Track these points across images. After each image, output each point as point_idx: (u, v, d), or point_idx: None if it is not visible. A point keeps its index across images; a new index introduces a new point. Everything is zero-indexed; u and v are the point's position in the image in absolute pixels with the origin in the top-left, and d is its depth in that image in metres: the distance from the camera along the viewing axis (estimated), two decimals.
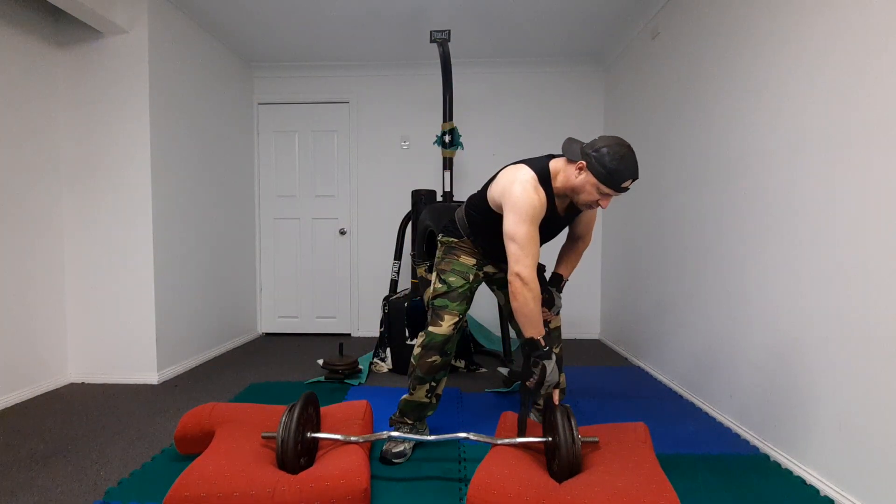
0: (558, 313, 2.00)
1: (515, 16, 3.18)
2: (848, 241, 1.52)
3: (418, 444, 1.92)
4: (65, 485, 1.64)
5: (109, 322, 2.80)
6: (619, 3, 3.01)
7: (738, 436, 2.05)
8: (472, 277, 1.90)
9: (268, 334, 4.22)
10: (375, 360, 3.09)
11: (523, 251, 1.58)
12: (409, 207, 3.49)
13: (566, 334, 4.07)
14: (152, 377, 2.79)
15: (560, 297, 1.99)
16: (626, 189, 1.58)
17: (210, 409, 1.80)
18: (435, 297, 1.89)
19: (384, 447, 1.83)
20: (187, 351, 3.13)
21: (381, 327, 3.15)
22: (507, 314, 2.10)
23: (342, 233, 4.13)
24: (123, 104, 2.75)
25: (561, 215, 1.77)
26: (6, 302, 2.45)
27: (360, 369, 2.95)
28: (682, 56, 2.62)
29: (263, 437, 1.63)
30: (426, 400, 1.91)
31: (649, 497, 1.30)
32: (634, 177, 1.56)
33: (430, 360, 1.84)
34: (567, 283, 2.04)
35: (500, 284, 2.04)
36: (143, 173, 2.76)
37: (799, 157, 1.74)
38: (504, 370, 2.98)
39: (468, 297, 1.90)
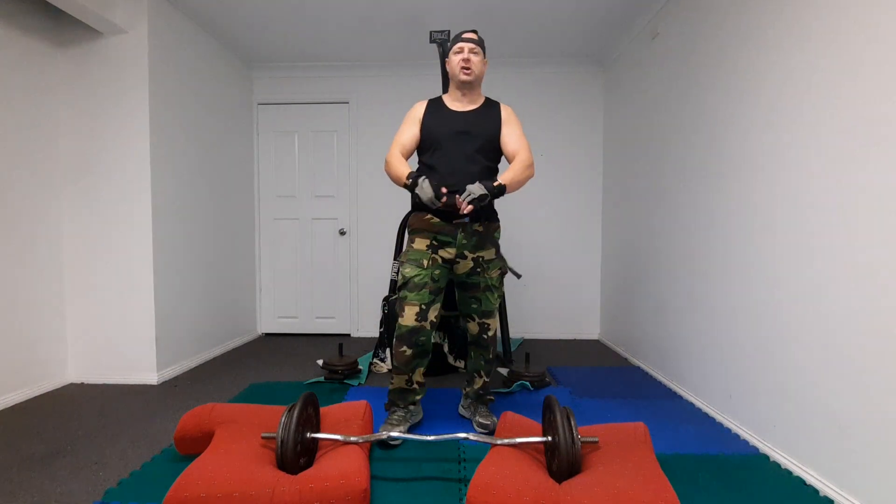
0: (471, 202, 1.80)
1: (515, 16, 3.18)
2: (850, 240, 1.52)
3: (418, 444, 1.92)
4: (64, 485, 1.64)
5: (109, 322, 2.80)
6: (618, 4, 3.01)
7: (737, 436, 2.05)
8: (426, 263, 1.95)
9: (267, 334, 4.22)
10: (375, 360, 3.09)
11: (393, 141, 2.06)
12: (409, 207, 3.49)
13: (566, 334, 4.07)
14: (152, 377, 2.79)
15: (478, 185, 1.81)
16: (469, 39, 1.99)
17: (210, 409, 1.80)
18: (399, 290, 1.99)
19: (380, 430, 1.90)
20: (187, 351, 3.13)
21: (380, 327, 3.15)
22: (461, 313, 2.17)
23: (342, 233, 4.13)
24: (123, 104, 2.75)
25: (459, 111, 2.05)
26: (6, 302, 2.44)
27: (360, 369, 2.95)
28: (682, 56, 2.62)
29: (263, 438, 1.63)
30: (406, 387, 2.03)
31: (649, 497, 1.30)
32: (467, 31, 2.01)
33: (400, 350, 1.97)
34: (506, 187, 1.87)
35: (461, 283, 2.07)
36: (142, 173, 2.76)
37: (799, 155, 1.74)
38: (504, 370, 2.98)
39: (430, 286, 1.94)
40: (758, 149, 1.97)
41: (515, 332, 4.03)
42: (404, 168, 1.94)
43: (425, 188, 1.81)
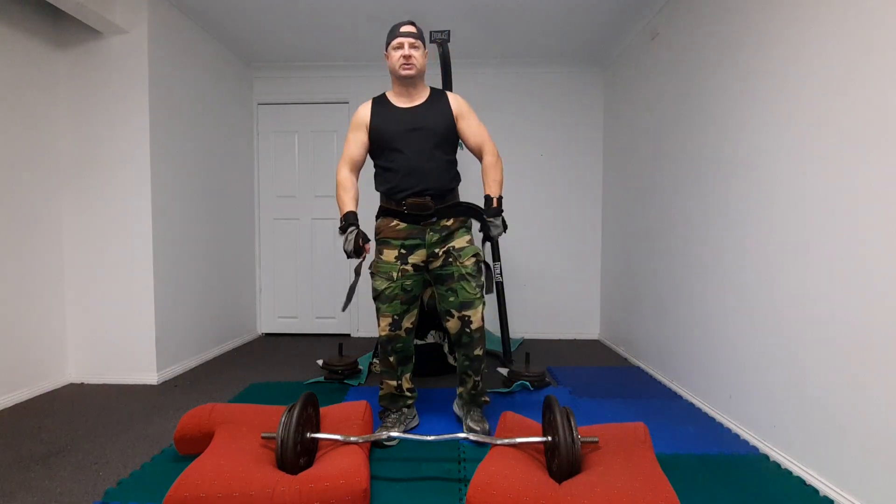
0: (497, 234, 1.94)
1: (515, 16, 3.18)
2: (850, 240, 1.52)
3: (418, 444, 1.92)
4: (64, 485, 1.64)
5: (109, 322, 2.80)
6: (618, 4, 3.01)
7: (737, 436, 2.05)
8: (396, 275, 1.95)
9: (267, 334, 4.22)
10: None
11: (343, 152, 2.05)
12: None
13: (566, 334, 4.07)
14: (152, 377, 2.79)
15: (496, 224, 1.92)
16: (408, 33, 1.92)
17: (209, 409, 1.80)
18: (374, 300, 2.03)
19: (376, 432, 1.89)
20: (187, 351, 3.13)
21: None
22: (440, 312, 2.09)
23: None
24: (123, 104, 2.75)
25: (406, 108, 2.00)
26: (6, 302, 2.44)
27: (360, 370, 2.95)
28: (682, 56, 2.62)
29: (263, 438, 1.63)
30: (397, 392, 2.05)
31: (649, 497, 1.30)
32: (404, 23, 1.95)
33: (383, 356, 2.04)
34: (502, 199, 1.98)
35: (435, 277, 2.02)
36: (142, 174, 2.76)
37: (799, 156, 1.74)
38: (504, 370, 2.98)
39: (401, 296, 1.96)
40: (757, 149, 1.97)
41: (515, 332, 4.02)
42: (347, 201, 1.97)
43: (350, 240, 1.88)
